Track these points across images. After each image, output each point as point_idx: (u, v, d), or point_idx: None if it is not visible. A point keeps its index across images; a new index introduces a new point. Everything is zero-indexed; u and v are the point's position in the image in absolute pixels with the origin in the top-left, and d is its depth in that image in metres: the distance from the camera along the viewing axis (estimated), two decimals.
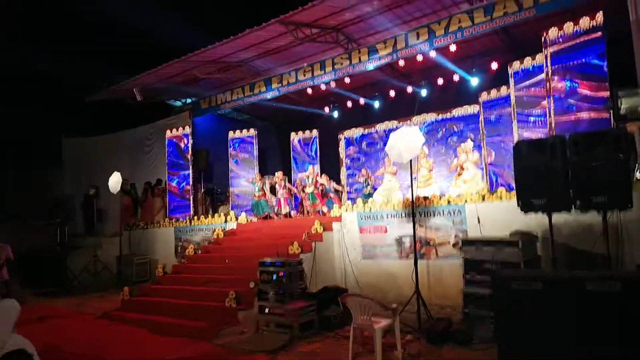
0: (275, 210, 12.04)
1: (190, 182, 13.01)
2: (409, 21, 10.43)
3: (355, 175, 12.94)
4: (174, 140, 13.48)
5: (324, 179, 12.07)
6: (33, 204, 13.94)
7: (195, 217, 12.08)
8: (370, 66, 10.52)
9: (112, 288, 10.99)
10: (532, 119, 8.97)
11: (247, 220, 11.30)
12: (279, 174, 12.20)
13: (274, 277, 6.78)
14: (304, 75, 11.47)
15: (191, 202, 12.91)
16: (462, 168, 9.80)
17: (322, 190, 12.05)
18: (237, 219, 11.24)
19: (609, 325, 3.75)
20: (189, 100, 14.58)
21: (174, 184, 13.31)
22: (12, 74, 16.30)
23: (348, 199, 12.15)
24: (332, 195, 11.88)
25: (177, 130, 13.48)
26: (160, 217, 13.28)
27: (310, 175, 11.99)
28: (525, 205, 5.50)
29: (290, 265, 6.81)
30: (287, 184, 12.21)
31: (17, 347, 3.37)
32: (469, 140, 10.23)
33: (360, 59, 10.51)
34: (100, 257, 12.31)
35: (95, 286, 11.60)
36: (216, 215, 11.85)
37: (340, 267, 8.98)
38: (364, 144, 13.96)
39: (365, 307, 5.13)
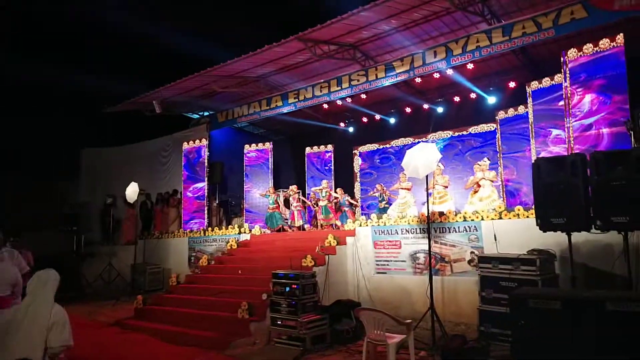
0: (289, 223, 12.07)
1: (205, 194, 13.12)
2: (426, 40, 10.55)
3: (369, 190, 12.94)
4: (191, 152, 13.65)
5: (338, 192, 12.09)
6: (51, 213, 14.16)
7: (209, 228, 12.15)
8: (387, 83, 10.57)
9: (125, 296, 11.04)
10: (550, 137, 8.94)
11: (261, 232, 11.33)
12: (293, 187, 12.28)
13: (287, 289, 6.77)
14: (321, 91, 11.57)
15: (205, 213, 13.00)
16: (478, 185, 9.75)
17: (336, 204, 12.06)
18: (250, 230, 11.28)
19: (629, 347, 3.66)
20: (206, 113, 14.80)
21: (189, 195, 13.43)
22: (32, 85, 16.76)
23: (362, 214, 12.13)
24: (346, 209, 11.87)
25: (194, 142, 13.65)
26: (174, 227, 13.39)
27: (324, 189, 12.02)
28: (544, 223, 5.45)
29: (304, 277, 6.79)
30: (301, 197, 12.26)
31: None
32: (485, 158, 10.20)
33: (377, 76, 10.57)
34: (115, 266, 12.41)
35: (108, 294, 11.66)
36: (230, 226, 11.91)
37: (354, 281, 8.93)
38: (378, 160, 13.99)
39: (379, 322, 5.08)
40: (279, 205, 12.14)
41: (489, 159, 10.20)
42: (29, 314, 3.34)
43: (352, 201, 12.23)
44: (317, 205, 12.24)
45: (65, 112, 18.30)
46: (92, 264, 12.69)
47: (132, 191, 11.42)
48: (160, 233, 13.20)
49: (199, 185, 13.30)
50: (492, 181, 9.68)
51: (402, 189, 10.77)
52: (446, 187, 10.24)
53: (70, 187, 16.38)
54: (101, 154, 16.47)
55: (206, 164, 13.26)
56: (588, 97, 7.69)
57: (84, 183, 16.40)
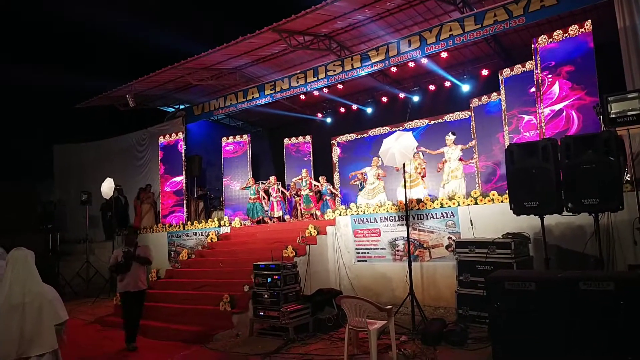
0: (269, 214, 12.07)
1: (184, 188, 13.00)
2: (400, 29, 10.60)
3: (349, 180, 12.96)
4: (167, 146, 13.48)
5: (321, 181, 12.10)
6: (25, 213, 13.84)
7: (189, 222, 12.05)
8: (363, 73, 10.61)
9: (104, 294, 10.91)
10: (522, 123, 9.14)
11: (241, 225, 11.30)
12: (272, 179, 12.26)
13: (269, 280, 6.80)
14: (297, 82, 11.53)
15: (184, 207, 12.89)
16: (445, 161, 10.05)
17: (318, 192, 12.09)
18: (230, 223, 11.24)
19: (602, 325, 3.79)
20: (182, 107, 14.60)
21: (167, 189, 13.28)
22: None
23: (341, 203, 12.21)
24: (328, 197, 11.89)
25: (170, 136, 13.48)
26: (147, 223, 13.18)
27: (304, 178, 12.03)
28: (518, 207, 5.58)
29: (285, 268, 6.83)
30: (281, 188, 12.26)
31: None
32: (450, 133, 10.30)
33: (352, 66, 10.59)
34: (93, 263, 12.22)
35: (87, 292, 11.51)
36: (209, 220, 11.84)
37: (335, 270, 9.02)
38: (356, 149, 14.05)
39: (361, 309, 5.16)
40: (259, 197, 12.12)
41: (454, 134, 10.30)
42: (29, 296, 3.21)
43: (333, 190, 12.27)
44: (298, 195, 12.25)
45: (35, 109, 17.82)
46: (70, 263, 12.45)
47: (107, 187, 11.23)
48: (138, 228, 13.03)
49: (177, 179, 13.15)
50: (458, 157, 9.95)
51: (371, 174, 10.87)
52: (418, 171, 10.41)
53: (43, 186, 15.99)
54: (74, 150, 16.11)
55: (183, 158, 13.12)
56: (558, 83, 7.87)
57: (58, 180, 16.04)
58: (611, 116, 5.52)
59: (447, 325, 6.01)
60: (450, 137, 10.18)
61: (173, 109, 14.89)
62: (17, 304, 3.17)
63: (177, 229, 12.08)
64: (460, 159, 10.04)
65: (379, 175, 10.77)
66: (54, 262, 12.05)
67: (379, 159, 10.73)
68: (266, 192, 12.31)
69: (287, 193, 12.56)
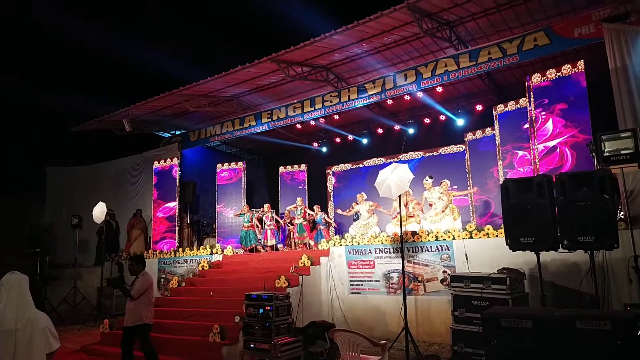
0: (262, 242, 11.95)
1: (177, 214, 12.90)
2: (397, 63, 10.80)
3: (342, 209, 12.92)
4: (162, 171, 13.44)
5: (315, 210, 12.05)
6: (14, 235, 13.62)
7: (180, 249, 11.91)
8: (359, 104, 10.76)
9: (91, 321, 10.65)
10: (517, 158, 9.24)
11: (233, 253, 11.18)
12: (266, 206, 12.20)
13: (260, 311, 6.66)
14: (294, 111, 11.65)
15: (176, 233, 12.76)
16: (430, 205, 9.92)
17: (312, 221, 12.03)
18: (223, 251, 11.12)
19: None
20: (178, 132, 14.64)
21: (159, 215, 13.17)
22: None
23: (335, 233, 12.14)
24: (322, 227, 11.82)
25: (165, 161, 13.46)
26: (137, 248, 13.01)
27: (299, 206, 11.99)
28: (514, 243, 5.57)
29: (277, 299, 6.70)
30: (274, 216, 12.19)
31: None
32: (427, 177, 10.05)
33: (349, 97, 10.74)
34: (80, 289, 11.97)
35: (74, 318, 11.23)
36: (201, 247, 11.70)
37: (328, 302, 8.89)
38: (351, 179, 14.08)
39: (354, 343, 5.06)
40: (253, 224, 12.03)
41: (431, 177, 10.06)
42: (21, 322, 3.11)
43: (328, 219, 12.21)
44: (292, 224, 12.17)
45: (30, 129, 17.79)
46: (57, 288, 12.19)
47: (99, 211, 11.10)
48: (128, 254, 12.83)
49: (170, 204, 13.07)
50: (440, 198, 9.70)
51: (362, 209, 10.85)
52: (414, 209, 10.33)
53: (34, 208, 15.80)
54: (67, 173, 16.01)
55: (177, 184, 13.07)
56: (552, 120, 8.00)
57: (49, 202, 15.86)
58: (605, 154, 5.60)
59: None
60: (428, 181, 9.94)
61: (169, 135, 14.92)
62: (9, 330, 3.08)
63: (168, 255, 11.92)
64: (453, 189, 9.89)
65: (372, 210, 10.75)
66: (41, 286, 11.77)
67: (363, 195, 10.83)
68: (260, 220, 12.23)
69: (281, 221, 12.48)
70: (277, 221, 12.25)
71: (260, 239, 12.02)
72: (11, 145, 17.18)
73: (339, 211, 12.14)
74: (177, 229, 12.81)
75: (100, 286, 11.38)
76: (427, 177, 10.05)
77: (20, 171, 16.66)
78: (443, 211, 9.49)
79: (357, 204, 11.13)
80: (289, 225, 12.38)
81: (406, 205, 10.18)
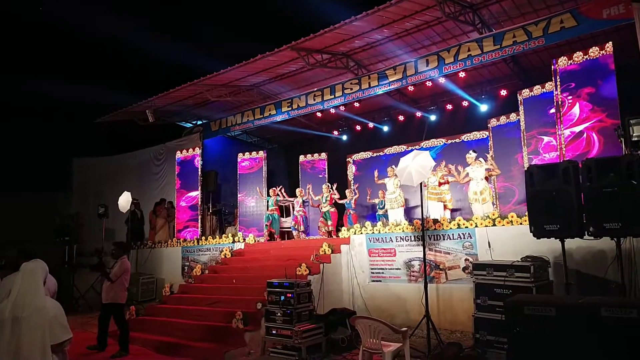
0: (294, 226, 11.87)
1: (199, 203, 13.07)
2: (418, 49, 10.63)
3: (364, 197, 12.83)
4: (184, 161, 13.62)
5: (347, 194, 11.80)
6: (43, 224, 14.03)
7: (203, 238, 12.09)
8: (380, 91, 10.63)
9: None
10: (542, 144, 9.03)
11: (255, 241, 11.29)
12: (298, 191, 12.07)
13: (282, 298, 6.73)
14: (314, 99, 11.61)
15: (199, 222, 12.95)
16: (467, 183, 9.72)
17: (341, 206, 11.79)
18: (244, 239, 11.24)
19: (623, 352, 3.67)
20: (199, 122, 14.79)
21: (182, 204, 13.37)
22: (22, 95, 16.65)
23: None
24: (352, 211, 11.64)
25: (187, 151, 13.63)
26: (162, 237, 13.25)
27: (324, 194, 11.80)
28: (538, 230, 5.47)
29: (299, 286, 6.76)
30: (310, 193, 12.01)
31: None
32: (471, 151, 9.73)
33: (370, 84, 10.62)
34: None
35: (101, 305, 11.50)
36: (224, 235, 11.85)
37: (348, 290, 8.92)
38: (372, 167, 13.98)
39: (375, 330, 5.08)
40: (278, 208, 12.06)
41: (474, 151, 9.67)
42: (27, 310, 3.08)
43: (351, 195, 11.90)
44: (321, 209, 11.97)
45: (56, 122, 18.24)
46: (84, 275, 12.53)
47: (124, 200, 11.35)
48: (153, 242, 13.10)
49: (193, 194, 13.24)
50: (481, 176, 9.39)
51: (390, 183, 10.80)
52: (441, 184, 10.20)
53: (62, 198, 16.24)
54: (93, 164, 16.35)
55: (200, 173, 13.24)
56: (578, 105, 7.78)
57: (76, 193, 16.27)
58: (633, 139, 5.45)
59: (463, 350, 5.87)
60: (471, 155, 9.58)
61: (191, 125, 15.10)
62: (15, 317, 3.06)
63: (191, 244, 12.12)
64: (486, 178, 9.38)
65: (398, 184, 10.64)
66: (69, 274, 12.13)
67: (394, 168, 10.64)
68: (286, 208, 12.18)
69: (313, 200, 12.24)
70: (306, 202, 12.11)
71: (283, 226, 11.99)
72: (40, 139, 17.68)
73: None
74: (199, 217, 12.99)
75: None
76: (471, 152, 9.66)
77: (49, 164, 17.15)
78: (482, 193, 9.21)
79: (388, 177, 11.00)
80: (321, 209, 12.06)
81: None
